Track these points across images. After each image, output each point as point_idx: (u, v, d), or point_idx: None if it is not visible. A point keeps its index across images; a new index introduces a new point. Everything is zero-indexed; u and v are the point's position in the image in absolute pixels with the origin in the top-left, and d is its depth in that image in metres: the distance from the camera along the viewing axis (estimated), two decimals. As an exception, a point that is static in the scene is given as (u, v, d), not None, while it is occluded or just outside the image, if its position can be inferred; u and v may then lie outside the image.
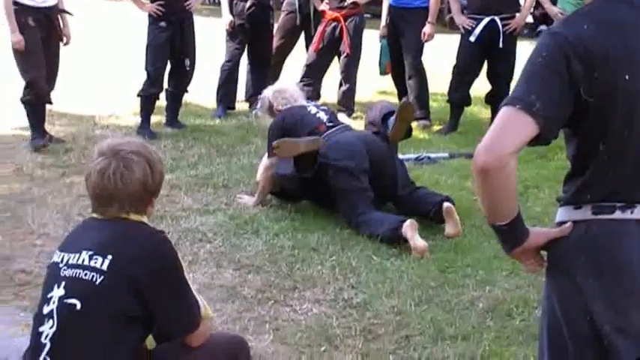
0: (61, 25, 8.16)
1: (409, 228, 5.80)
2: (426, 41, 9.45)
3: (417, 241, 5.76)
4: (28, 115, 8.13)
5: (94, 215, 3.20)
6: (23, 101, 8.03)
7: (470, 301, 5.04)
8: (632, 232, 2.54)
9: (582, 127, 2.55)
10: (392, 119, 6.55)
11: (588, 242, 2.56)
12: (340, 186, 6.27)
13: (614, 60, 2.46)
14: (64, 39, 8.19)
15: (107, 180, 3.08)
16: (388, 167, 6.47)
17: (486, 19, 8.94)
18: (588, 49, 2.46)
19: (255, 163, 7.02)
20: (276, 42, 10.17)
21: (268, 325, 4.74)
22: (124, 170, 3.09)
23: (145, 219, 3.20)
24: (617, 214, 2.54)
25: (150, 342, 3.19)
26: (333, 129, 6.62)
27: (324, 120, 6.76)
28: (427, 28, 9.35)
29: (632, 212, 2.54)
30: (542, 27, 13.40)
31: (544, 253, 2.75)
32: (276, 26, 10.20)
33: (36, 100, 7.99)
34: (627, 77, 2.46)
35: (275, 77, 10.32)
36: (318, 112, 6.89)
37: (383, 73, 10.13)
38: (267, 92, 7.28)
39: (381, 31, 9.99)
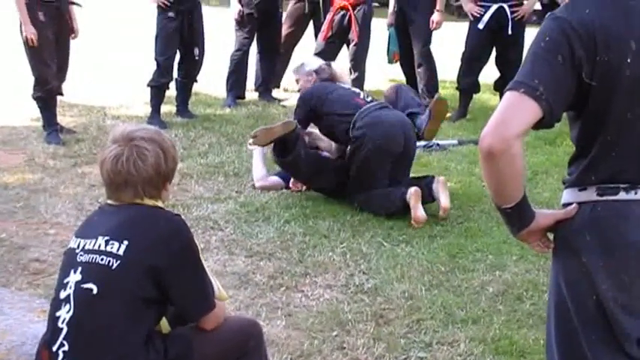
0: (70, 19, 8.17)
1: (413, 195, 6.02)
2: (434, 29, 9.47)
3: (418, 210, 5.97)
4: (40, 111, 8.17)
5: (109, 202, 3.25)
6: (34, 97, 8.06)
7: (480, 285, 5.09)
8: (636, 213, 2.57)
9: (585, 110, 2.58)
10: (424, 117, 6.57)
11: (593, 222, 2.60)
12: (367, 163, 6.33)
13: (616, 43, 2.50)
14: (73, 34, 8.21)
15: (121, 166, 3.12)
16: (409, 159, 6.54)
17: (495, 6, 8.97)
18: (590, 32, 2.49)
19: (266, 152, 7.06)
20: (285, 30, 10.20)
21: (280, 310, 4.79)
22: (137, 157, 3.13)
23: (159, 203, 3.24)
24: (622, 195, 2.58)
25: (164, 326, 3.24)
26: (372, 103, 6.61)
27: (361, 95, 6.84)
28: (435, 16, 9.37)
29: (635, 193, 2.57)
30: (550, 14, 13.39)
31: (551, 235, 2.79)
32: (284, 15, 10.22)
33: (47, 96, 8.02)
34: (629, 60, 2.50)
35: (284, 66, 10.37)
36: (350, 87, 7.10)
37: (391, 61, 10.15)
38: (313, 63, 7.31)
39: (389, 19, 9.99)
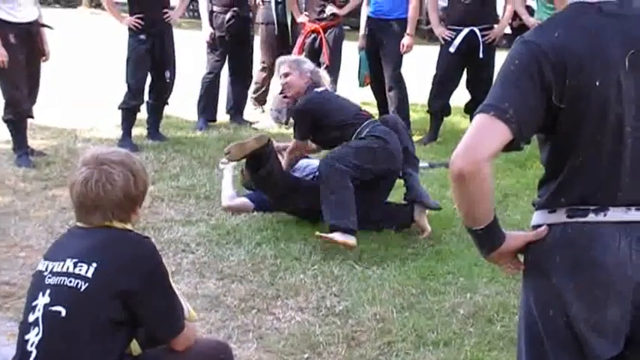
0: (41, 41, 8.15)
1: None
2: (404, 53, 9.51)
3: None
4: (11, 133, 8.12)
5: (78, 224, 3.23)
6: (5, 120, 8.03)
7: (451, 307, 5.09)
8: (606, 234, 2.59)
9: (555, 133, 2.60)
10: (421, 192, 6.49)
11: (563, 244, 2.62)
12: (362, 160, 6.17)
13: (585, 67, 2.52)
14: (44, 56, 8.19)
15: (90, 189, 3.11)
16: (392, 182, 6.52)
17: (466, 30, 9.05)
18: (560, 56, 2.51)
19: (235, 174, 7.05)
20: (262, 57, 10.26)
21: (252, 333, 4.77)
22: (107, 180, 3.12)
23: (129, 226, 3.23)
24: (591, 217, 2.60)
25: (135, 348, 3.23)
26: (375, 119, 6.55)
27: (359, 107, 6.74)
28: (406, 40, 9.41)
29: (605, 215, 2.59)
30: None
31: (521, 257, 2.81)
32: (258, 40, 10.26)
33: (17, 118, 7.98)
34: (598, 84, 2.52)
35: (265, 89, 10.46)
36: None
37: (362, 84, 10.19)
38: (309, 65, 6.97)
39: (360, 42, 10.05)
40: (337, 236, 5.83)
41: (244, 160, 6.47)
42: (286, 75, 6.76)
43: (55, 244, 3.36)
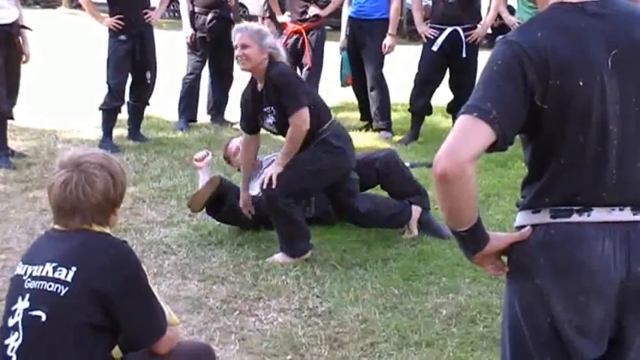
0: (21, 42, 8.10)
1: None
2: (386, 53, 9.52)
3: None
4: None
5: (56, 227, 3.20)
6: (-17, 120, 7.99)
7: (433, 308, 5.09)
8: (589, 234, 2.58)
9: (538, 133, 2.59)
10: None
11: (547, 245, 2.61)
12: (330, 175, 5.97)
13: (567, 67, 2.51)
14: (24, 57, 8.15)
15: (69, 192, 3.07)
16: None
17: (449, 29, 9.05)
18: (542, 56, 2.51)
19: (216, 175, 7.02)
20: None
21: (234, 335, 4.75)
22: (86, 182, 3.08)
23: (107, 230, 3.20)
24: (575, 218, 2.59)
25: (117, 353, 3.20)
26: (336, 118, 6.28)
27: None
28: (387, 40, 9.43)
29: (588, 215, 2.58)
30: (500, 37, 13.57)
31: (505, 258, 2.80)
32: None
33: (-4, 119, 7.94)
34: (581, 83, 2.51)
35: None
36: None
37: (344, 84, 10.20)
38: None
39: (341, 42, 10.05)
40: (277, 257, 5.85)
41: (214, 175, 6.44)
42: (244, 46, 5.90)
43: (32, 247, 3.33)
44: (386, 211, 6.24)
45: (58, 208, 3.13)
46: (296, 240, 5.84)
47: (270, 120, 5.96)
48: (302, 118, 5.73)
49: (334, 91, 10.78)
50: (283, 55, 6.09)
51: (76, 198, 3.08)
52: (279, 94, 5.79)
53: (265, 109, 5.93)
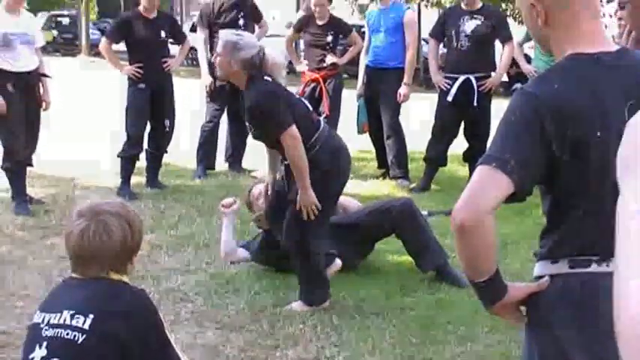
0: (41, 91, 8.18)
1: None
2: (402, 102, 9.54)
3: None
4: (9, 181, 8.14)
5: (73, 275, 3.22)
6: (3, 168, 8.06)
7: (451, 357, 5.05)
8: (608, 285, 2.56)
9: (556, 184, 2.59)
10: None
11: (566, 295, 2.60)
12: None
13: (585, 118, 2.52)
14: (44, 105, 8.22)
15: (87, 241, 3.10)
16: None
17: (461, 78, 9.08)
18: (560, 107, 2.51)
19: (235, 224, 7.02)
20: None
21: (251, 384, 4.73)
22: (104, 231, 3.11)
23: (125, 278, 3.21)
24: (594, 268, 2.58)
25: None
26: (325, 126, 6.00)
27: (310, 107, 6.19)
28: (403, 89, 9.46)
29: (607, 265, 2.57)
30: (517, 85, 13.62)
31: (523, 307, 2.79)
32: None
33: (16, 167, 8.00)
34: (599, 134, 2.52)
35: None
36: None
37: (360, 132, 10.22)
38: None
39: (359, 90, 10.09)
40: (295, 305, 5.83)
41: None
42: (218, 54, 5.85)
43: (50, 295, 3.34)
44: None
45: (76, 257, 3.15)
46: (316, 287, 5.83)
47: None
48: (292, 136, 5.52)
49: (351, 138, 10.76)
50: (279, 69, 5.89)
51: (93, 247, 3.10)
52: (260, 121, 5.68)
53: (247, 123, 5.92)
